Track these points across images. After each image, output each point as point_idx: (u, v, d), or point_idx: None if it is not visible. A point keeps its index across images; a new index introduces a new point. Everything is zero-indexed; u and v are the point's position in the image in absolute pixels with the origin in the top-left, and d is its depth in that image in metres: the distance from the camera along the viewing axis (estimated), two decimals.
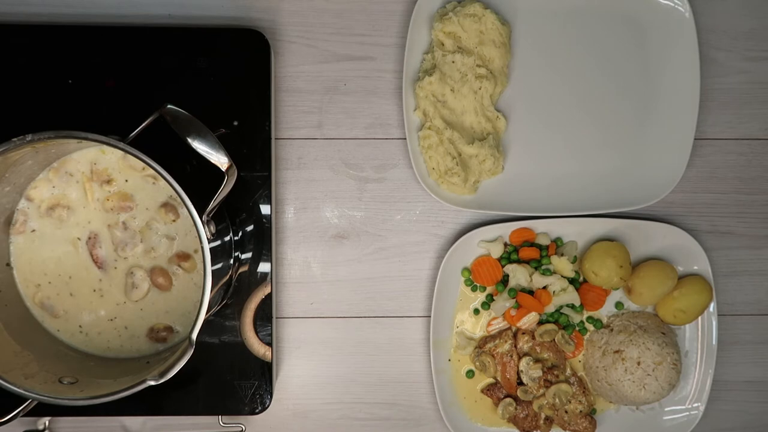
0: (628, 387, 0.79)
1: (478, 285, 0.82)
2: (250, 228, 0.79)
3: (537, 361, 0.81)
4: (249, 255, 0.78)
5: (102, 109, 0.77)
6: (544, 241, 0.82)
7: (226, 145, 0.64)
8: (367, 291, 0.84)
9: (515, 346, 0.82)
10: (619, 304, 0.83)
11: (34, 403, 0.66)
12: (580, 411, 0.81)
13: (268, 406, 0.78)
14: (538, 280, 0.80)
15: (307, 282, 0.83)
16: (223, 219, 0.75)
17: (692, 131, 0.80)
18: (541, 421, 0.82)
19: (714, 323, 0.83)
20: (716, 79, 0.84)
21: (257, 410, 0.78)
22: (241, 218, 0.78)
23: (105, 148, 0.72)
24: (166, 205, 0.73)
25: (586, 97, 0.82)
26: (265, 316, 0.78)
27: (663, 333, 0.81)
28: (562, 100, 0.82)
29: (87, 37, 0.77)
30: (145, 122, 0.64)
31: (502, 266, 0.82)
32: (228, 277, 0.74)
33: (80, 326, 0.74)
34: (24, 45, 0.77)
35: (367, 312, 0.84)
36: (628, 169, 0.82)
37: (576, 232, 0.82)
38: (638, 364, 0.78)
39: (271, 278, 0.78)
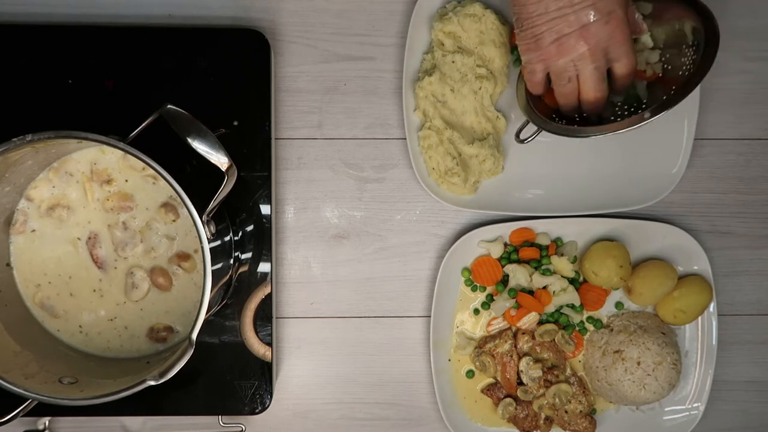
0: (628, 387, 0.79)
1: (478, 285, 0.82)
2: (250, 228, 0.79)
3: (537, 361, 0.81)
4: (249, 255, 0.78)
5: (102, 109, 0.77)
6: (544, 241, 0.82)
7: (226, 145, 0.64)
8: (367, 291, 0.84)
9: (515, 346, 0.82)
10: (619, 304, 0.83)
11: (34, 403, 0.66)
12: (580, 411, 0.81)
13: (268, 406, 0.78)
14: (538, 280, 0.80)
15: (307, 282, 0.83)
16: (223, 219, 0.75)
17: (692, 131, 0.80)
18: (541, 421, 0.82)
19: (714, 323, 0.83)
20: (716, 79, 0.83)
21: (257, 410, 0.78)
22: (241, 218, 0.78)
23: (105, 148, 0.72)
24: (166, 205, 0.73)
25: None
26: (265, 316, 0.78)
27: (663, 333, 0.81)
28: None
29: (87, 37, 0.77)
30: (145, 122, 0.64)
31: (502, 266, 0.82)
32: (228, 277, 0.74)
33: (80, 326, 0.74)
34: (24, 45, 0.77)
35: (367, 312, 0.84)
36: (628, 169, 0.82)
37: (576, 232, 0.82)
38: (638, 364, 0.78)
39: (271, 278, 0.78)
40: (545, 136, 0.82)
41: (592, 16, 0.64)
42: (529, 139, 0.76)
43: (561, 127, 0.74)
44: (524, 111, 0.76)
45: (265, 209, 0.79)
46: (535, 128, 0.75)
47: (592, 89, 0.69)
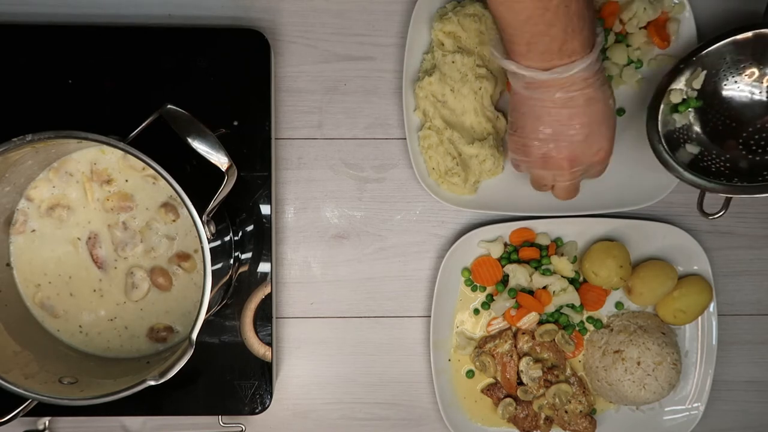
0: (628, 387, 0.79)
1: (478, 285, 0.82)
2: (250, 228, 0.79)
3: (537, 361, 0.81)
4: (249, 255, 0.78)
5: (102, 109, 0.77)
6: (544, 241, 0.82)
7: (226, 145, 0.64)
8: (367, 291, 0.84)
9: (515, 346, 0.82)
10: (619, 304, 0.83)
11: (34, 403, 0.66)
12: (580, 411, 0.81)
13: (268, 406, 0.78)
14: (538, 280, 0.80)
15: (307, 282, 0.83)
16: (223, 219, 0.75)
17: None
18: (541, 421, 0.82)
19: (714, 323, 0.83)
20: None
21: (257, 410, 0.78)
22: (241, 218, 0.78)
23: (105, 148, 0.72)
24: (166, 205, 0.73)
25: None
26: (265, 316, 0.78)
27: (663, 333, 0.81)
28: None
29: (87, 37, 0.77)
30: (145, 122, 0.64)
31: (502, 266, 0.82)
32: (228, 277, 0.74)
33: (80, 326, 0.74)
34: (24, 45, 0.77)
35: (367, 312, 0.84)
36: (628, 170, 0.82)
37: (576, 232, 0.82)
38: (638, 364, 0.78)
39: (271, 278, 0.78)
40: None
41: (581, 148, 0.67)
42: (720, 213, 0.74)
43: (755, 186, 0.72)
44: (695, 185, 0.73)
45: (265, 209, 0.79)
46: (722, 197, 0.73)
47: (563, 196, 0.73)
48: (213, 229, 0.65)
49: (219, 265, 0.69)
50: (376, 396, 0.84)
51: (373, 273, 0.83)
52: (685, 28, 0.80)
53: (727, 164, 0.75)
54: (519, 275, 0.80)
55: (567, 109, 0.65)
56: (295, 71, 0.82)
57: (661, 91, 0.74)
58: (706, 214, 0.75)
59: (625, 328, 0.81)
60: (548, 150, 0.67)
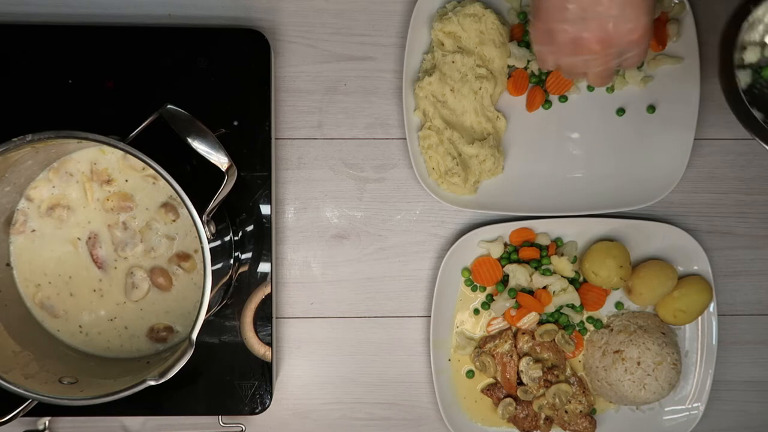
0: (628, 387, 0.79)
1: (478, 285, 0.82)
2: (250, 228, 0.79)
3: (537, 361, 0.81)
4: (249, 255, 0.79)
5: (102, 109, 0.77)
6: (544, 241, 0.82)
7: (226, 145, 0.64)
8: (367, 291, 0.84)
9: (515, 346, 0.82)
10: (619, 304, 0.83)
11: (34, 403, 0.66)
12: (580, 411, 0.81)
13: (268, 406, 0.78)
14: (538, 280, 0.80)
15: (307, 282, 0.83)
16: (223, 219, 0.75)
17: (692, 131, 0.80)
18: (541, 421, 0.82)
19: (714, 323, 0.83)
20: (716, 79, 0.83)
21: (257, 410, 0.78)
22: (241, 218, 0.78)
23: (105, 148, 0.72)
24: (166, 205, 0.73)
25: (586, 96, 0.82)
26: (265, 316, 0.78)
27: (663, 333, 0.81)
28: (562, 99, 0.82)
29: (87, 37, 0.77)
30: (145, 122, 0.64)
31: (502, 266, 0.82)
32: (228, 277, 0.74)
33: (80, 326, 0.74)
34: (24, 45, 0.77)
35: (367, 312, 0.84)
36: (628, 169, 0.82)
37: (576, 232, 0.82)
38: (638, 364, 0.78)
39: (271, 278, 0.78)
40: (546, 136, 0.82)
41: (614, 26, 0.60)
42: None
43: None
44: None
45: (265, 209, 0.79)
46: None
47: (598, 83, 0.67)
48: (213, 229, 0.65)
49: (219, 265, 0.69)
50: (376, 396, 0.84)
51: (373, 273, 0.83)
52: (685, 28, 0.80)
53: None
54: (519, 275, 0.80)
55: None
56: (295, 71, 0.82)
57: (729, 46, 0.64)
58: None
59: (625, 328, 0.81)
60: (576, 31, 0.60)
